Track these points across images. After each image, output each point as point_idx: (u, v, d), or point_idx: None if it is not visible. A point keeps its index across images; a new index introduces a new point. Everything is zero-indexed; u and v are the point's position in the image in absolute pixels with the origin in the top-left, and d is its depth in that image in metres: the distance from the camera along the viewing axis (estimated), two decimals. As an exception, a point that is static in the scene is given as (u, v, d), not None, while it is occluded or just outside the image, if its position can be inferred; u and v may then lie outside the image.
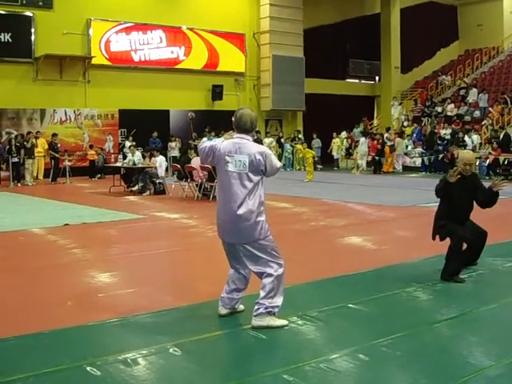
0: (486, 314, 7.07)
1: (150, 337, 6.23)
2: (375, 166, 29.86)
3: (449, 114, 33.57)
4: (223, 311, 6.76)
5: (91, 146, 28.67)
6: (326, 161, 33.48)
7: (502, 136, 26.98)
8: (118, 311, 7.11)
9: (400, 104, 37.19)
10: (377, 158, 30.06)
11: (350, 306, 7.23)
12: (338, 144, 33.13)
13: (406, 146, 30.87)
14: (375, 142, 30.06)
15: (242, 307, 6.85)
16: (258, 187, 6.31)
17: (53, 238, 12.42)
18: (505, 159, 25.96)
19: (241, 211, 6.23)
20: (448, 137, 29.06)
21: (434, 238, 8.75)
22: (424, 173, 28.53)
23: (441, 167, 27.77)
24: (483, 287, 8.29)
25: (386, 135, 31.37)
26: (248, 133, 6.48)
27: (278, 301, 6.35)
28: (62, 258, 10.32)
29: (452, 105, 34.31)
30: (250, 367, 5.59)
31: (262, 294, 6.33)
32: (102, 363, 5.50)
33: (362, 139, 31.27)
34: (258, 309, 6.33)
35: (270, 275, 6.30)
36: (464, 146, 26.82)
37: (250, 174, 6.27)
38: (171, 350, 5.82)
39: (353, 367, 5.41)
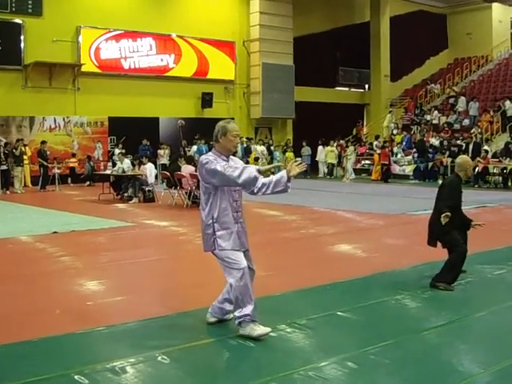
0: (475, 321, 7.09)
1: (138, 345, 6.21)
2: (384, 174, 29.02)
3: (434, 121, 33.74)
4: (211, 319, 6.79)
5: (74, 155, 28.59)
6: (316, 169, 33.37)
7: (471, 146, 26.98)
8: (107, 319, 7.09)
9: (390, 112, 37.13)
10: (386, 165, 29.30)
11: (339, 313, 7.21)
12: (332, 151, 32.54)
13: (396, 154, 30.85)
14: (386, 149, 29.45)
15: (231, 316, 6.76)
16: (210, 199, 6.34)
17: (41, 245, 12.37)
18: (494, 167, 25.99)
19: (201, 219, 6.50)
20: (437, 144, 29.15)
21: (431, 244, 8.66)
22: (416, 181, 28.48)
23: (431, 175, 27.87)
24: (472, 295, 8.32)
25: (375, 143, 31.48)
26: (214, 143, 6.50)
27: (246, 309, 6.26)
28: (50, 266, 10.28)
29: (435, 112, 34.48)
30: (239, 375, 5.57)
31: (233, 305, 6.41)
32: (90, 372, 5.47)
33: (351, 147, 31.31)
34: (235, 320, 6.38)
35: (231, 285, 6.31)
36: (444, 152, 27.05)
37: (203, 184, 6.40)
38: (159, 358, 5.80)
39: (341, 375, 5.40)
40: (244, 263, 6.25)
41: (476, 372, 5.48)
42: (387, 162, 29.08)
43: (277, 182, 6.13)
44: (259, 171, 6.06)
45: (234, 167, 6.13)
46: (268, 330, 6.32)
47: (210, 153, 6.49)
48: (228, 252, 6.28)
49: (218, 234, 6.29)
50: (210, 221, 6.31)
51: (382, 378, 5.41)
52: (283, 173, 6.13)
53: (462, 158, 9.00)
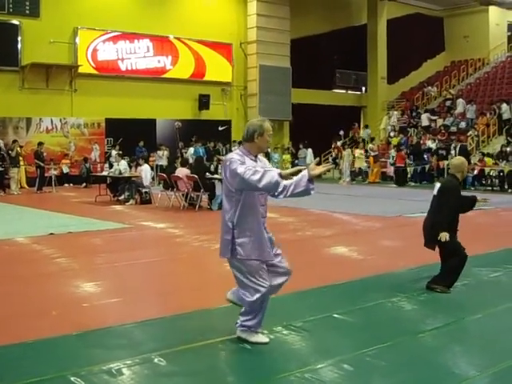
0: (471, 324, 7.09)
1: (134, 347, 6.20)
2: (399, 178, 28.53)
3: (424, 124, 33.79)
4: (229, 296, 6.44)
5: (66, 155, 28.57)
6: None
7: (457, 149, 26.94)
8: (103, 321, 7.07)
9: (387, 114, 37.15)
10: (403, 168, 28.82)
11: (335, 315, 7.19)
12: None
13: (392, 157, 30.81)
14: (402, 152, 29.08)
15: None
16: (233, 201, 5.99)
17: (38, 247, 12.32)
18: (491, 170, 26.02)
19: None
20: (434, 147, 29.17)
21: (429, 246, 8.58)
22: (411, 183, 28.43)
23: (428, 178, 27.83)
24: (468, 297, 8.31)
25: (369, 146, 31.42)
26: (245, 142, 6.17)
27: (251, 322, 6.18)
28: (47, 268, 10.24)
29: (427, 114, 34.53)
30: (235, 378, 5.58)
31: (241, 309, 6.24)
32: (87, 373, 5.45)
33: (348, 150, 31.16)
34: (237, 322, 6.30)
35: (243, 295, 6.10)
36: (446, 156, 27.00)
37: (226, 185, 6.03)
38: (156, 360, 5.78)
39: (338, 377, 5.39)
40: (265, 286, 5.98)
41: (472, 375, 5.48)
42: (403, 165, 28.64)
43: (297, 182, 5.68)
44: (281, 175, 5.65)
45: (254, 170, 5.68)
46: (266, 340, 6.23)
47: (237, 150, 6.19)
48: (251, 266, 5.97)
49: (238, 241, 5.96)
50: (231, 225, 5.98)
51: (378, 381, 5.42)
52: (304, 172, 5.72)
53: (459, 159, 8.97)
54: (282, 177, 5.66)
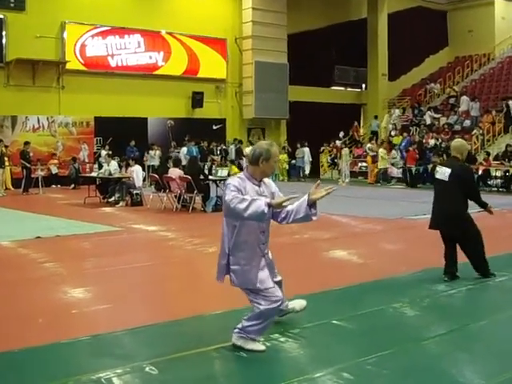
0: (476, 330, 6.97)
1: (125, 355, 6.12)
2: (412, 179, 27.63)
3: (428, 122, 33.40)
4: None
5: (54, 155, 28.16)
6: (314, 171, 32.89)
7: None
8: (92, 328, 6.99)
9: (388, 113, 36.70)
10: (415, 168, 27.83)
11: (335, 322, 7.11)
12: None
13: (394, 157, 29.97)
14: (413, 151, 28.10)
15: (289, 306, 6.83)
16: (230, 226, 5.94)
17: (24, 251, 12.26)
18: (496, 170, 25.62)
19: None
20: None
21: (451, 235, 8.99)
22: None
23: (430, 178, 26.81)
24: (473, 303, 8.33)
25: (368, 145, 30.95)
26: (250, 165, 6.11)
27: (256, 328, 6.02)
28: (33, 273, 10.15)
29: (428, 112, 34.17)
30: None
31: (249, 314, 6.08)
32: (75, 383, 5.40)
33: (346, 149, 30.77)
34: (236, 327, 6.16)
35: (259, 305, 5.96)
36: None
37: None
38: (147, 369, 5.69)
39: None
40: (278, 296, 6.00)
41: (477, 383, 5.39)
42: (415, 165, 27.70)
43: (298, 209, 5.85)
44: (270, 205, 5.60)
45: (242, 198, 5.63)
46: (262, 347, 6.10)
47: (240, 174, 6.14)
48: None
49: (233, 268, 5.98)
50: (227, 250, 5.98)
51: None
52: (304, 197, 5.83)
53: (459, 141, 9.45)
54: (272, 205, 5.65)
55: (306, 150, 32.36)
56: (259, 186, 5.99)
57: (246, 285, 5.95)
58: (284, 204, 5.71)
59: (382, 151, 29.28)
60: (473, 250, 8.91)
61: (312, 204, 5.79)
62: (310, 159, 32.41)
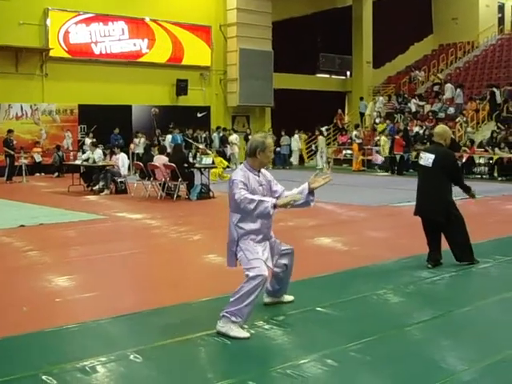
0: (459, 317, 7.01)
1: (109, 343, 6.16)
2: (394, 165, 27.48)
3: (413, 110, 33.40)
4: (266, 299, 7.15)
5: (37, 143, 27.96)
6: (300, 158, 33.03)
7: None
8: (77, 316, 6.98)
9: (372, 100, 36.61)
10: (399, 155, 27.47)
11: (319, 309, 7.14)
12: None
13: (377, 144, 29.95)
14: (400, 138, 27.69)
15: (288, 298, 7.24)
16: (239, 214, 6.35)
17: (7, 240, 12.15)
18: (480, 157, 25.67)
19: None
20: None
21: (435, 220, 9.02)
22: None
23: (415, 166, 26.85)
24: (456, 289, 8.31)
25: (354, 133, 30.92)
26: (248, 157, 6.59)
27: (240, 312, 6.16)
28: (17, 261, 10.10)
29: (413, 99, 34.19)
30: (214, 374, 5.47)
31: (234, 296, 6.25)
32: (59, 371, 5.39)
33: (322, 138, 31.05)
34: (222, 314, 6.27)
35: (246, 276, 6.28)
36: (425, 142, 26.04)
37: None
38: (132, 357, 5.70)
39: (321, 373, 5.34)
40: (265, 270, 6.26)
41: (460, 369, 5.42)
42: (402, 153, 27.48)
43: (298, 195, 6.38)
44: (275, 205, 6.16)
45: (250, 199, 6.15)
46: (246, 335, 6.19)
47: (241, 166, 6.59)
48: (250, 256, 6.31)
49: (244, 248, 6.35)
50: (236, 236, 6.38)
51: (364, 376, 5.36)
52: (304, 185, 6.42)
53: (442, 127, 9.51)
54: (277, 206, 6.19)
55: (296, 137, 32.44)
56: (259, 176, 6.47)
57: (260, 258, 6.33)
58: (289, 204, 6.21)
59: (383, 139, 28.92)
60: (455, 235, 8.92)
61: (310, 191, 6.40)
62: (299, 147, 32.54)
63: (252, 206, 6.12)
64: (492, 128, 27.94)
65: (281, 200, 6.31)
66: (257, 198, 6.21)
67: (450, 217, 8.80)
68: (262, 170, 6.59)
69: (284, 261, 6.89)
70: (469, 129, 28.84)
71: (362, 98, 36.78)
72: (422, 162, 9.11)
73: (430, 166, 8.83)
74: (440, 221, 8.86)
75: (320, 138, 31.14)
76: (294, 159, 32.67)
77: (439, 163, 8.74)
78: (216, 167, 22.31)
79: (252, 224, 6.34)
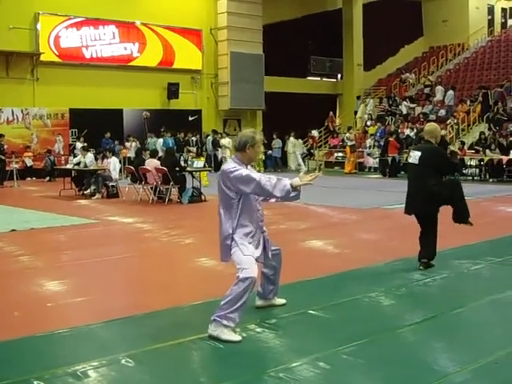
0: (451, 318, 7.01)
1: (101, 348, 6.12)
2: (386, 168, 27.37)
3: (404, 112, 33.35)
4: (258, 302, 7.15)
5: (28, 147, 27.81)
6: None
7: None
8: (68, 321, 6.98)
9: (363, 102, 36.57)
10: (391, 158, 27.35)
11: (311, 312, 7.13)
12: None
13: (369, 147, 30.01)
14: (394, 140, 27.61)
15: (280, 301, 7.22)
16: (232, 208, 6.36)
17: None
18: (470, 159, 25.62)
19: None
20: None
21: (427, 214, 9.03)
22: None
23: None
24: (448, 291, 8.27)
25: (346, 135, 30.97)
26: (237, 152, 6.55)
27: (233, 315, 6.14)
28: (8, 266, 10.05)
29: (404, 102, 34.16)
30: (206, 378, 5.48)
31: (225, 300, 6.24)
32: (51, 377, 5.36)
33: (299, 141, 31.61)
34: (213, 318, 6.25)
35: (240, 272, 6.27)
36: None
37: (226, 193, 6.38)
38: (123, 362, 5.69)
39: (313, 376, 5.31)
40: (255, 272, 6.22)
41: (452, 370, 5.40)
42: (396, 155, 27.37)
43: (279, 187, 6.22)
44: (291, 185, 6.11)
45: (268, 177, 6.21)
46: (238, 338, 6.18)
47: (231, 161, 6.54)
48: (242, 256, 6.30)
49: (239, 243, 6.33)
50: (230, 231, 6.36)
51: (356, 379, 5.36)
52: (296, 179, 6.27)
53: (432, 125, 9.51)
54: (292, 186, 6.12)
55: (291, 140, 32.37)
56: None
57: (253, 254, 6.34)
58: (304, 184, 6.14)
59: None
60: (433, 233, 8.95)
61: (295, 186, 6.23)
62: (301, 152, 32.61)
63: (272, 183, 6.11)
64: (482, 129, 27.97)
65: (296, 181, 6.17)
66: (273, 176, 6.28)
67: (436, 212, 8.90)
68: (249, 167, 6.56)
69: (273, 262, 6.91)
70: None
71: (358, 97, 36.86)
72: (410, 160, 9.18)
73: (417, 162, 8.87)
74: (430, 212, 8.90)
75: (291, 139, 31.40)
76: (292, 162, 32.53)
77: (426, 161, 8.75)
78: (210, 170, 22.31)
79: (246, 218, 6.34)
